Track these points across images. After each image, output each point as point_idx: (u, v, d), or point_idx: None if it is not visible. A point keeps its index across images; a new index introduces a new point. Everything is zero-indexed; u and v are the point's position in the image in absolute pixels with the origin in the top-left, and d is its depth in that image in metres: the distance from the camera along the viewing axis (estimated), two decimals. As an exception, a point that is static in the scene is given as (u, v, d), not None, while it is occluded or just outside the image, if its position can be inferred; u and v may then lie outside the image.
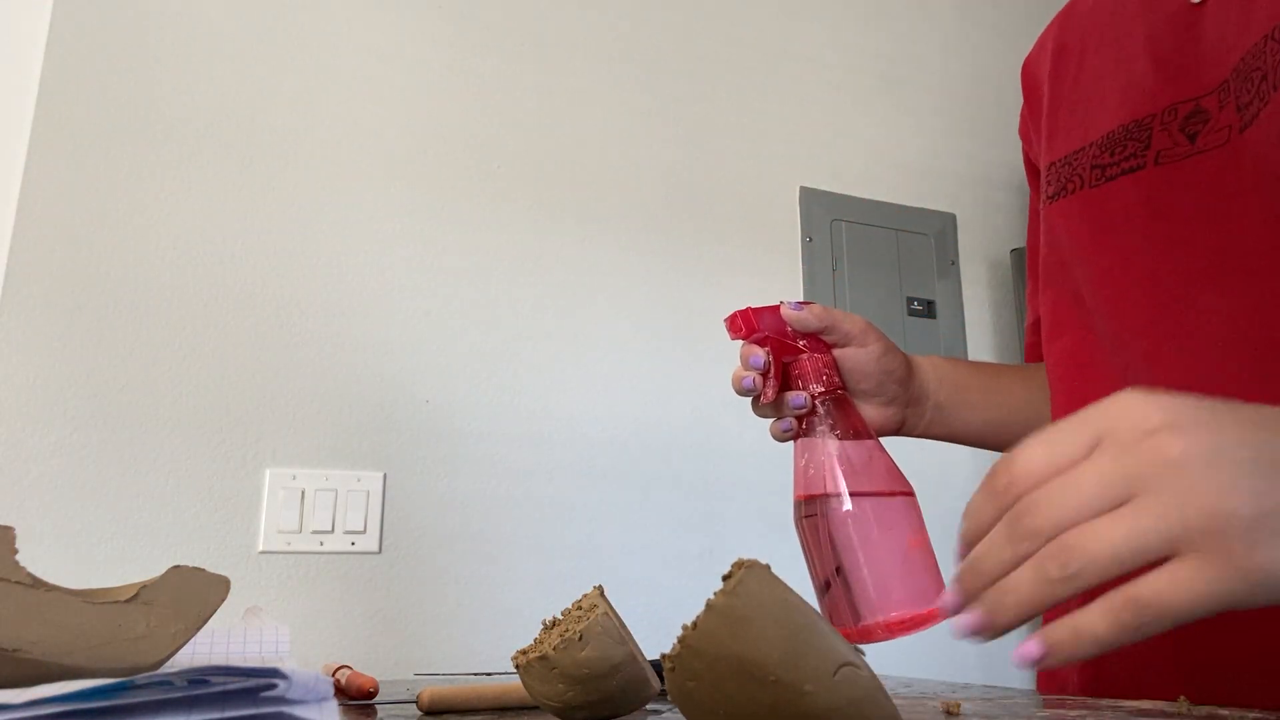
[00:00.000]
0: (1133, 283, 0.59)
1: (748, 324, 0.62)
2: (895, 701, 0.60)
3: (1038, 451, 0.36)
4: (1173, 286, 0.56)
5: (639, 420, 1.52)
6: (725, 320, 0.63)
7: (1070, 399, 0.65)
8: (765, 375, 0.61)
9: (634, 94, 1.64)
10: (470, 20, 1.54)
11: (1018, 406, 0.73)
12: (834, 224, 1.76)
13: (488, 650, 1.34)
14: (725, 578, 0.33)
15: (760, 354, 0.61)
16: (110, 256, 1.25)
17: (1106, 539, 0.33)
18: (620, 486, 1.48)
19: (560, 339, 1.49)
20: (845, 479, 0.57)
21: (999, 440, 0.72)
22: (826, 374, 0.61)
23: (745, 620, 0.31)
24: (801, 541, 0.59)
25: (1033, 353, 0.79)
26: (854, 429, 0.60)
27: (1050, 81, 0.70)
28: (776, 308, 0.63)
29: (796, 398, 0.60)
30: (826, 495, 0.57)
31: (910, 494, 0.58)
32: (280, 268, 1.34)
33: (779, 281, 1.69)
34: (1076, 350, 0.65)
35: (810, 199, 1.76)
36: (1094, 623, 0.33)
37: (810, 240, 1.74)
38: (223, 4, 1.38)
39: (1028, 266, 0.80)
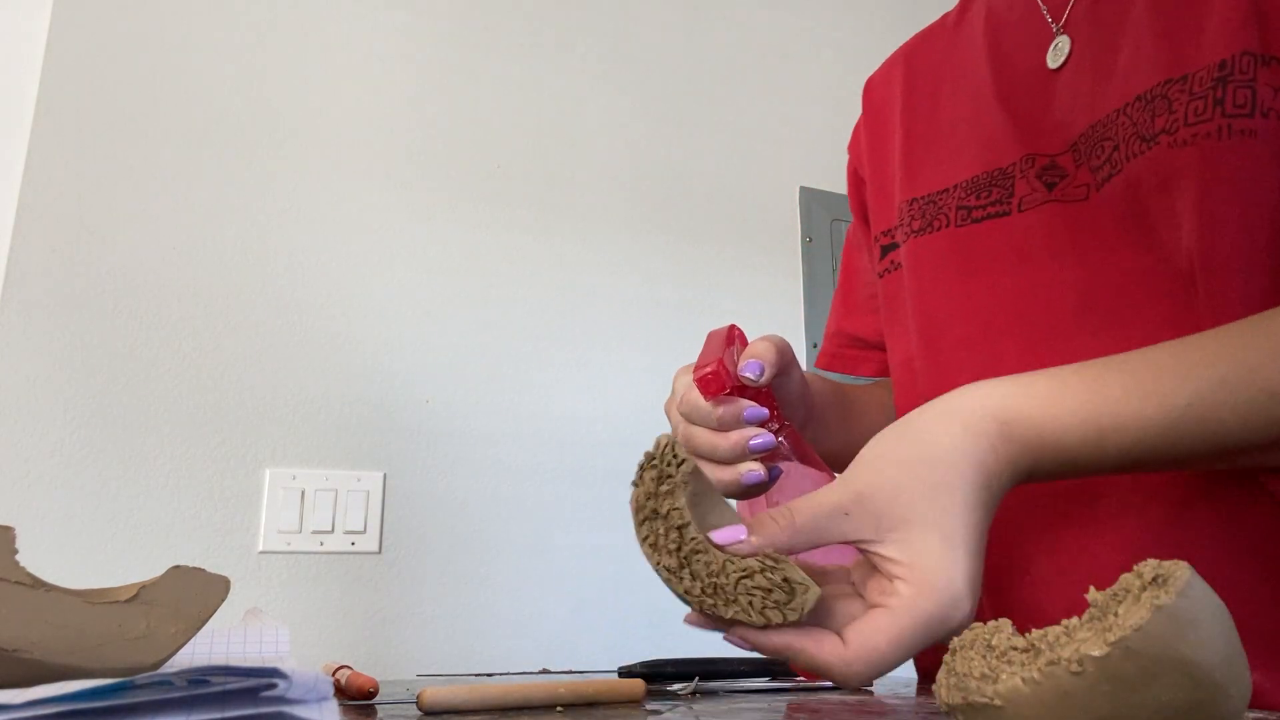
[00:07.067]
0: (1002, 326, 0.61)
1: (726, 378, 0.54)
2: (895, 702, 0.60)
3: None
4: (1041, 326, 0.59)
5: (639, 420, 1.51)
6: (700, 380, 0.54)
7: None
8: (776, 431, 0.55)
9: (634, 94, 1.64)
10: (471, 20, 1.54)
11: (866, 431, 0.62)
12: (834, 224, 1.76)
13: (488, 650, 1.34)
14: (1152, 580, 0.32)
15: (760, 409, 0.54)
16: (110, 256, 1.25)
17: None
18: (620, 486, 1.48)
19: (560, 339, 1.49)
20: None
21: (842, 467, 0.67)
22: (778, 412, 0.56)
23: (1193, 623, 0.31)
24: None
25: (828, 360, 0.85)
26: (821, 467, 0.57)
27: (903, 116, 0.74)
28: (721, 356, 0.55)
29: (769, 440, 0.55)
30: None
31: None
32: (280, 267, 1.34)
33: (779, 281, 1.69)
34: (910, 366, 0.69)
35: (810, 199, 1.76)
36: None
37: (810, 240, 1.74)
38: (223, 4, 1.38)
39: (841, 282, 0.86)
